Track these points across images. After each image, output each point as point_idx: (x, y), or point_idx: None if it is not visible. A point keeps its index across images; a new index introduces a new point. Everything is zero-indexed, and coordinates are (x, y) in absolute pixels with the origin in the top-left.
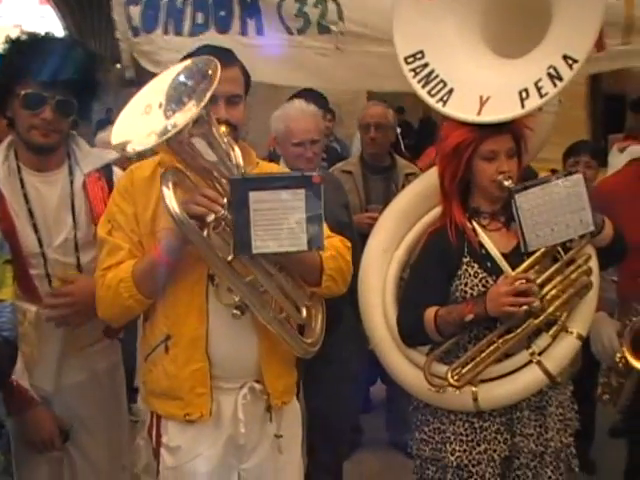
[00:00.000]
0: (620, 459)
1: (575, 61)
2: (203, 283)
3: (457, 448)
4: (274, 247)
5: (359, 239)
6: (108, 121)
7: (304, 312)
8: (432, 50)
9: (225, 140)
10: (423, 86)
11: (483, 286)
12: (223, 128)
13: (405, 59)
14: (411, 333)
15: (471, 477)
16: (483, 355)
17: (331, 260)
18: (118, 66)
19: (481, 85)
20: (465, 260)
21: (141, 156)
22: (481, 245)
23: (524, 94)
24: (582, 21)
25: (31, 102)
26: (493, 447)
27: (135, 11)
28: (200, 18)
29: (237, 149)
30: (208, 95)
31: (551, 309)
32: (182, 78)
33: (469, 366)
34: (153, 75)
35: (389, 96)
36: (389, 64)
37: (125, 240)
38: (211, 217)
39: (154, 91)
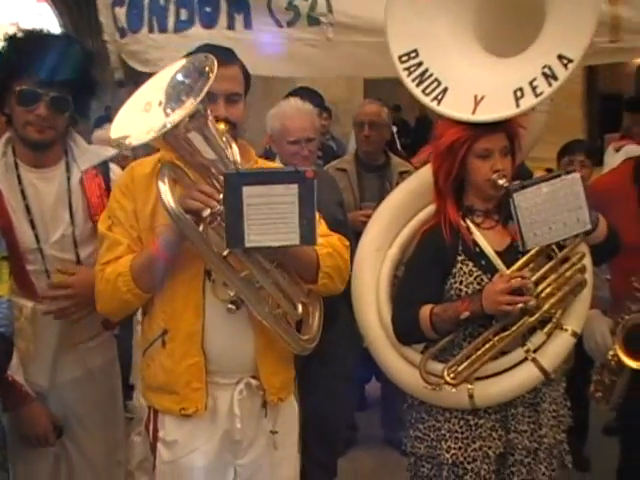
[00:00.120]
0: (614, 457)
1: (570, 61)
2: (200, 279)
3: (452, 445)
4: (267, 241)
5: (353, 237)
6: (107, 119)
7: (300, 308)
8: (426, 49)
9: (223, 137)
10: (417, 85)
11: (478, 284)
12: (222, 126)
13: (399, 58)
14: (406, 331)
15: (466, 474)
16: (479, 353)
17: (328, 258)
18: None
19: (475, 84)
20: (460, 258)
21: (137, 152)
22: (475, 243)
23: (519, 93)
24: (577, 20)
25: (26, 98)
26: (488, 444)
27: (121, 12)
28: (184, 14)
29: (235, 146)
30: (204, 90)
31: (546, 307)
32: (180, 77)
33: (465, 364)
34: (142, 75)
35: (386, 94)
36: (379, 53)
37: (124, 235)
38: (207, 212)
39: (153, 89)
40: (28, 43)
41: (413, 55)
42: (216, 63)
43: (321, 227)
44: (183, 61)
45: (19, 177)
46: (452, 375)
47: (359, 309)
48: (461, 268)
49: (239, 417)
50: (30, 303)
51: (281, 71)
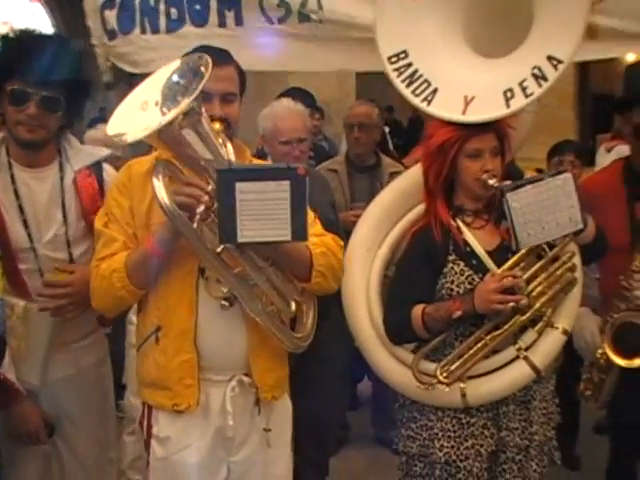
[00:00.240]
0: (604, 456)
1: (560, 62)
2: (194, 276)
3: (445, 444)
4: (259, 236)
5: (345, 237)
6: (101, 119)
7: (293, 306)
8: (415, 50)
9: (219, 137)
10: (407, 85)
11: (469, 283)
12: (217, 125)
13: (388, 59)
14: (398, 331)
15: (459, 472)
16: (471, 352)
17: (321, 256)
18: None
19: (465, 85)
20: (451, 258)
21: (126, 153)
22: (466, 243)
23: (509, 94)
24: (565, 22)
25: (16, 98)
26: (480, 442)
27: (111, 15)
28: (174, 14)
29: (229, 145)
30: (199, 88)
31: (537, 305)
32: (176, 77)
33: (458, 363)
34: (133, 76)
35: (378, 95)
36: (368, 47)
37: (120, 232)
38: (200, 208)
39: (150, 89)
40: (20, 43)
41: (402, 56)
42: (210, 62)
43: (316, 227)
44: (178, 62)
45: (12, 176)
46: (445, 374)
47: (350, 309)
48: (452, 268)
49: (231, 414)
50: (22, 302)
51: (272, 66)
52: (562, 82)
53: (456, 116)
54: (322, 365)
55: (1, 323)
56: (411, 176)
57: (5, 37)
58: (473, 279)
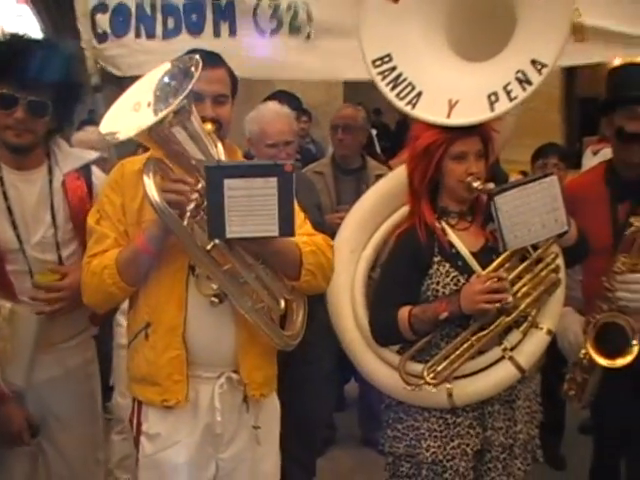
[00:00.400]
0: (590, 456)
1: (544, 66)
2: (184, 273)
3: (432, 444)
4: (247, 232)
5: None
6: (90, 122)
7: (283, 304)
8: (399, 53)
9: (209, 136)
10: (392, 89)
11: (455, 285)
12: (209, 126)
13: (373, 62)
14: (384, 333)
15: (445, 472)
16: (458, 353)
17: (311, 255)
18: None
19: (449, 88)
20: (436, 259)
21: (112, 156)
22: (451, 244)
23: (493, 98)
24: (549, 26)
25: (4, 102)
26: (466, 441)
27: (103, 18)
28: (171, 23)
29: (220, 145)
30: (189, 87)
31: (523, 306)
32: (167, 79)
33: (444, 364)
34: (120, 79)
35: (366, 98)
36: (356, 57)
37: (112, 229)
38: (190, 206)
39: (142, 90)
40: (9, 47)
41: (387, 59)
42: (200, 62)
43: (306, 227)
44: (169, 64)
45: (1, 179)
46: (432, 375)
47: (335, 311)
48: (438, 269)
49: (220, 410)
50: (8, 304)
51: (264, 74)
52: (549, 85)
53: (441, 119)
54: (309, 366)
55: None
56: (394, 178)
57: None
58: (459, 280)
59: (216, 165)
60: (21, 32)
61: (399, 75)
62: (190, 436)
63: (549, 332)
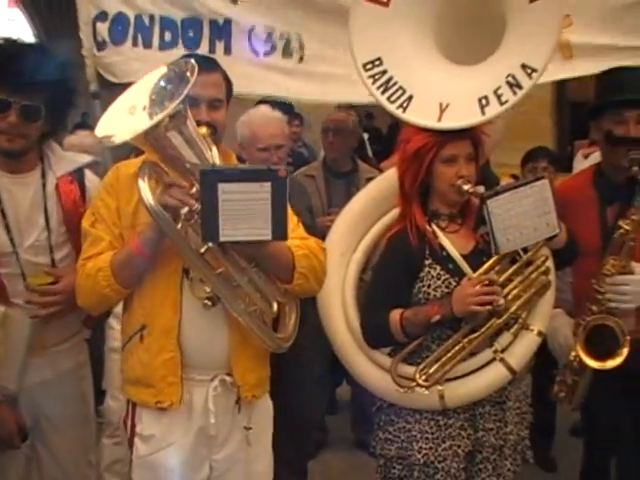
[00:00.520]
0: (581, 458)
1: (534, 70)
2: (178, 276)
3: (423, 446)
4: (240, 236)
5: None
6: (84, 125)
7: (275, 307)
8: (389, 57)
9: (204, 140)
10: (382, 92)
11: (446, 287)
12: (204, 130)
13: (363, 66)
14: (376, 335)
15: (437, 473)
16: (449, 355)
17: (303, 258)
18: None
19: (440, 92)
20: (427, 262)
21: (107, 160)
22: (442, 247)
23: (484, 101)
24: (539, 30)
25: None
26: (457, 443)
27: (102, 27)
28: (168, 36)
29: (215, 149)
30: (185, 92)
31: (513, 308)
32: (163, 83)
33: (436, 366)
34: (115, 86)
35: None
36: (346, 82)
37: (107, 232)
38: (184, 209)
39: (138, 93)
40: (1, 51)
41: (377, 63)
42: (196, 67)
43: (299, 230)
44: (165, 68)
45: None
46: (424, 377)
47: (326, 314)
48: (429, 272)
49: (213, 413)
50: (1, 307)
51: (256, 92)
52: (540, 89)
53: (432, 123)
54: (300, 369)
55: None
56: (384, 181)
57: None
58: (450, 283)
59: (210, 169)
60: (14, 36)
61: (390, 79)
62: (184, 438)
63: (540, 334)
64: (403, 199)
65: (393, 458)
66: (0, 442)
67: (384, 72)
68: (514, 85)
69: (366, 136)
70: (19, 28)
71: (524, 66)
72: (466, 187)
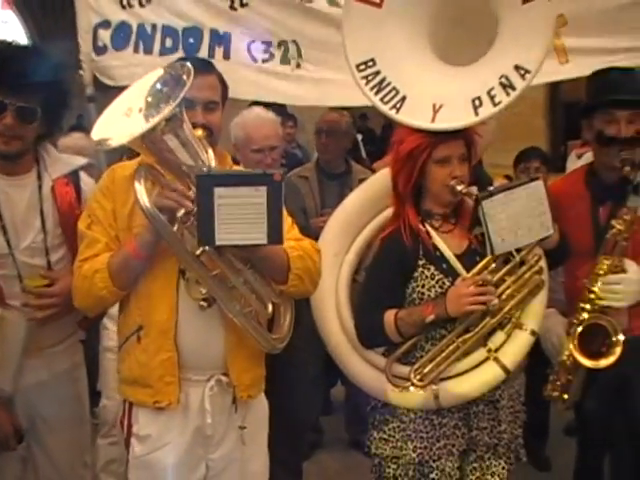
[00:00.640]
0: (574, 457)
1: (527, 71)
2: (174, 277)
3: (418, 445)
4: (236, 239)
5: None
6: (79, 127)
7: (270, 308)
8: (383, 58)
9: (200, 143)
10: (376, 93)
11: (440, 287)
12: (200, 132)
13: (357, 66)
14: (371, 336)
15: (432, 472)
16: (444, 354)
17: (298, 260)
18: (81, 72)
19: (433, 93)
20: (421, 262)
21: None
22: (435, 247)
23: (477, 102)
24: (532, 32)
25: None
26: (452, 442)
27: (105, 33)
28: (169, 42)
29: (211, 151)
30: (182, 95)
31: (507, 308)
32: (159, 85)
33: (431, 366)
34: (107, 88)
35: None
36: (342, 87)
37: (103, 234)
38: (180, 212)
39: (135, 95)
40: None
41: (370, 64)
42: (192, 70)
43: (293, 232)
44: (161, 70)
45: None
46: (419, 377)
47: (320, 315)
48: (423, 272)
49: (210, 412)
50: None
51: (253, 96)
52: (533, 90)
53: (425, 124)
54: (295, 370)
55: None
56: (377, 181)
57: None
58: (444, 283)
59: (207, 173)
60: (8, 38)
61: (383, 79)
62: (180, 437)
63: (533, 333)
64: (396, 199)
65: (388, 457)
66: None
67: (377, 73)
68: (507, 86)
69: (360, 137)
70: (12, 30)
71: (517, 67)
72: (459, 187)
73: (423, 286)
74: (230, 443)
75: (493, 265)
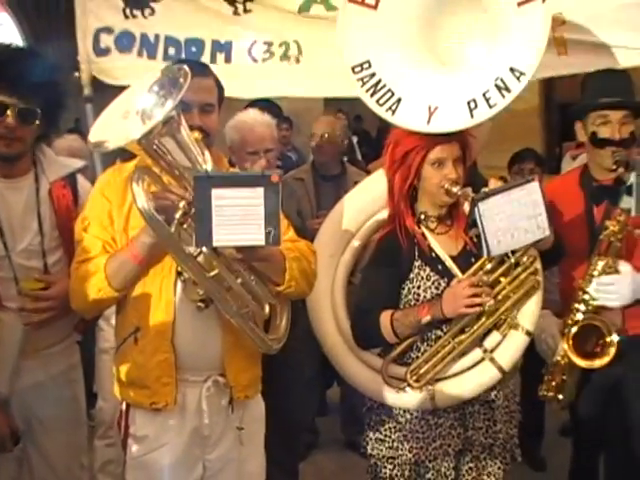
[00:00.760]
0: (570, 457)
1: (522, 74)
2: (171, 278)
3: (414, 445)
4: (234, 240)
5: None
6: (77, 130)
7: (267, 309)
8: (378, 59)
9: (197, 145)
10: (371, 95)
11: (436, 288)
12: (196, 134)
13: (352, 68)
14: (367, 336)
15: (428, 472)
16: (440, 355)
17: (294, 261)
18: (77, 74)
19: (429, 95)
20: (417, 263)
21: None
22: (431, 249)
23: (472, 104)
24: (527, 35)
25: None
26: (448, 442)
27: (108, 38)
28: (172, 50)
29: (207, 154)
30: (178, 98)
31: (502, 309)
32: (156, 88)
33: (426, 366)
34: (109, 90)
35: (347, 105)
36: (341, 76)
37: (99, 236)
38: (178, 213)
39: (132, 98)
40: None
41: (366, 66)
42: (189, 73)
43: (289, 233)
44: (158, 73)
45: None
46: (415, 378)
47: (315, 316)
48: (418, 273)
49: (207, 413)
50: None
51: (254, 94)
52: (528, 91)
53: (421, 126)
54: (291, 371)
55: None
56: (372, 183)
57: None
58: (439, 284)
59: (204, 174)
60: (5, 41)
61: (378, 81)
62: (177, 438)
63: (528, 333)
64: (392, 201)
65: (384, 458)
66: None
67: (373, 75)
68: (503, 88)
69: (355, 139)
70: (7, 32)
71: (512, 70)
72: (455, 189)
73: (419, 287)
74: (227, 443)
75: (488, 266)
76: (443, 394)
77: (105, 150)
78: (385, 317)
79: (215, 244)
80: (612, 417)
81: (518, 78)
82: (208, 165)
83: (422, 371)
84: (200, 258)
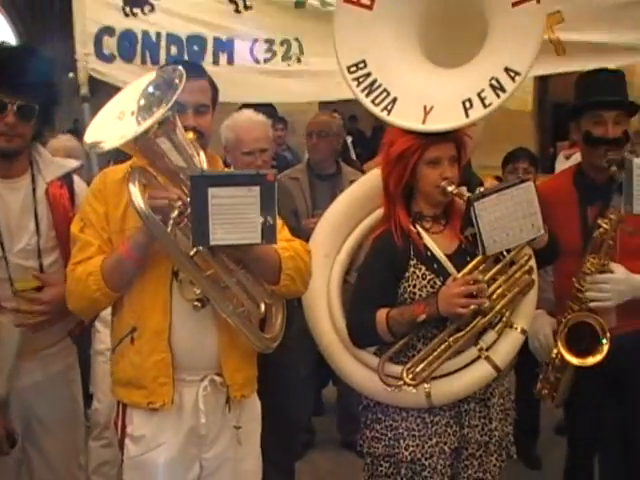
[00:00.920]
0: (565, 456)
1: (517, 73)
2: (168, 278)
3: (410, 443)
4: (230, 239)
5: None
6: (75, 131)
7: (263, 308)
8: (373, 59)
9: (192, 145)
10: (367, 95)
11: (431, 287)
12: (191, 135)
13: (348, 68)
14: (362, 335)
15: (424, 470)
16: (436, 354)
17: (290, 260)
18: (71, 75)
19: (424, 94)
20: (412, 262)
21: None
22: (426, 247)
23: (467, 104)
24: (522, 34)
25: None
26: (444, 440)
27: (110, 41)
28: (174, 50)
29: (202, 154)
30: (174, 98)
31: (498, 307)
32: (151, 89)
33: (423, 365)
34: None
35: (341, 105)
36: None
37: (96, 237)
38: (174, 213)
39: (127, 99)
40: None
41: (361, 66)
42: (184, 74)
43: (284, 233)
44: (153, 74)
45: None
46: (411, 376)
47: (311, 315)
48: (414, 272)
49: (204, 412)
50: None
51: (257, 98)
52: (522, 91)
53: (416, 125)
54: (286, 371)
55: None
56: (367, 182)
57: None
58: (435, 282)
59: (200, 174)
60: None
61: (374, 81)
62: (174, 437)
63: (523, 331)
64: (387, 200)
65: (380, 456)
66: None
67: (368, 74)
68: (497, 88)
69: (350, 139)
70: (0, 32)
71: (507, 69)
72: (450, 188)
73: (414, 286)
74: (224, 442)
75: (484, 265)
76: (439, 392)
77: (101, 150)
78: (381, 315)
79: (212, 243)
80: (607, 415)
81: (513, 78)
82: (203, 166)
83: (418, 369)
84: (196, 257)
